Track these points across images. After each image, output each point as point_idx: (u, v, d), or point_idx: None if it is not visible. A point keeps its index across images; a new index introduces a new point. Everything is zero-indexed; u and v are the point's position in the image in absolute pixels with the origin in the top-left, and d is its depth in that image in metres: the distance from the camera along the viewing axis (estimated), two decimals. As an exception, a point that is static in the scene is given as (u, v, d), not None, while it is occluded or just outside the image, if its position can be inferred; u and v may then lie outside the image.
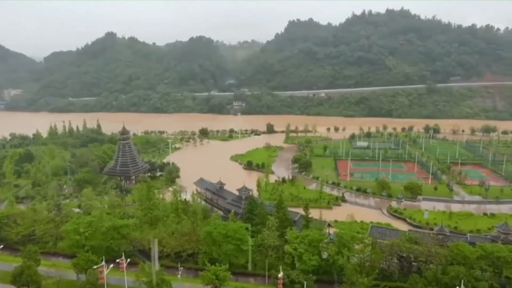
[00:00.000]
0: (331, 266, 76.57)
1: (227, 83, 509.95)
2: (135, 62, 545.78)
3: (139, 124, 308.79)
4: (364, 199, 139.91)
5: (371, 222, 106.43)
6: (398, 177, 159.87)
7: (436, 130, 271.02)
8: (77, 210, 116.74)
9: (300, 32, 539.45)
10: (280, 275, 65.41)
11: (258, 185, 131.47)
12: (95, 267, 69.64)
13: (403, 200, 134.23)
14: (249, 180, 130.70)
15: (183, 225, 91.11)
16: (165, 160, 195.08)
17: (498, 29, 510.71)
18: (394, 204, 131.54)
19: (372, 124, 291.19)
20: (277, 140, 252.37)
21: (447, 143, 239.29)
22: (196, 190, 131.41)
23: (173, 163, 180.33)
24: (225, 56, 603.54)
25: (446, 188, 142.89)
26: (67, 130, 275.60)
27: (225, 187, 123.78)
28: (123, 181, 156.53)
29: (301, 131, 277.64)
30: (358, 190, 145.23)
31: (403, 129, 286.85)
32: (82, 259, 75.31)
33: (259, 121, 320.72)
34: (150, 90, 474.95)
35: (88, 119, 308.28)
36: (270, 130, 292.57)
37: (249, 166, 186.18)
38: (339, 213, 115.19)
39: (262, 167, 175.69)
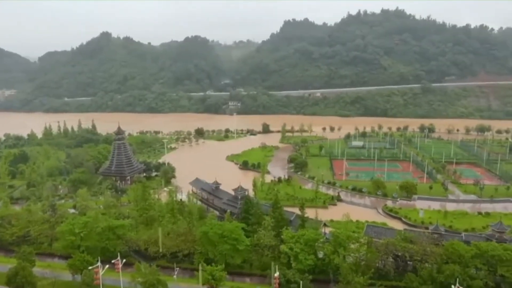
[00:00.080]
0: (327, 265, 76.82)
1: (222, 83, 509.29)
2: (130, 62, 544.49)
3: (135, 124, 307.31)
4: (359, 199, 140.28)
5: (367, 222, 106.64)
6: (393, 177, 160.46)
7: (431, 130, 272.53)
8: (72, 210, 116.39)
9: (295, 32, 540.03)
10: (276, 274, 65.49)
11: (254, 185, 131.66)
12: (90, 267, 69.52)
13: (398, 199, 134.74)
14: (245, 180, 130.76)
15: (179, 226, 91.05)
16: (160, 160, 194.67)
17: (492, 29, 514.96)
18: (389, 203, 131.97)
19: (367, 123, 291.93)
20: (273, 140, 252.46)
21: (442, 143, 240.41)
22: (192, 190, 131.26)
23: (168, 163, 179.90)
24: (220, 56, 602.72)
25: (441, 187, 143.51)
26: (62, 130, 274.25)
27: (221, 187, 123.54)
28: (119, 182, 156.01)
29: (297, 131, 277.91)
30: (353, 189, 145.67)
31: (398, 129, 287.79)
32: (78, 260, 75.14)
33: (255, 121, 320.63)
34: (145, 90, 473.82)
35: (83, 119, 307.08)
36: (266, 130, 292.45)
37: (245, 166, 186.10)
38: (334, 213, 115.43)
39: (258, 167, 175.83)
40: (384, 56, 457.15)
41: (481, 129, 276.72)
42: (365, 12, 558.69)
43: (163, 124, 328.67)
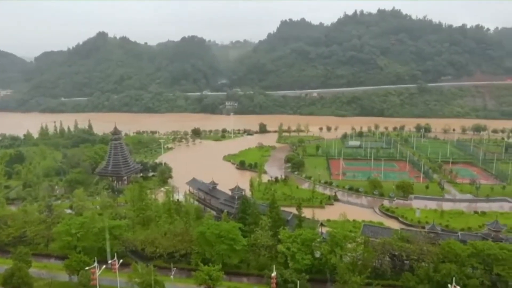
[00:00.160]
0: (324, 265, 76.83)
1: (219, 83, 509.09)
2: (127, 62, 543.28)
3: (131, 124, 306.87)
4: (356, 198, 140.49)
5: (364, 221, 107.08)
6: (390, 176, 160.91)
7: (427, 129, 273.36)
8: (68, 211, 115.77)
9: (292, 32, 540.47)
10: (273, 274, 65.50)
11: (251, 185, 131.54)
12: (87, 268, 69.29)
13: (395, 199, 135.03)
14: (242, 180, 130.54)
15: (175, 226, 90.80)
16: (157, 160, 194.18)
17: (488, 29, 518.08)
18: (386, 203, 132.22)
19: (364, 123, 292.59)
20: (269, 139, 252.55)
21: (438, 142, 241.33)
22: (189, 190, 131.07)
23: (165, 163, 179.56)
24: (217, 56, 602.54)
25: (438, 187, 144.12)
26: (58, 130, 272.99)
27: (218, 187, 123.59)
28: (115, 182, 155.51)
29: (294, 131, 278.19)
30: (350, 189, 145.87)
31: (394, 129, 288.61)
32: (74, 260, 74.83)
33: (251, 121, 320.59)
34: (142, 90, 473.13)
35: (80, 119, 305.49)
36: (263, 130, 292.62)
37: (241, 166, 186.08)
38: (331, 212, 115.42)
39: (254, 167, 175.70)
40: (381, 56, 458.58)
41: (477, 129, 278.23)
42: (362, 12, 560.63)
43: (160, 124, 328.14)
